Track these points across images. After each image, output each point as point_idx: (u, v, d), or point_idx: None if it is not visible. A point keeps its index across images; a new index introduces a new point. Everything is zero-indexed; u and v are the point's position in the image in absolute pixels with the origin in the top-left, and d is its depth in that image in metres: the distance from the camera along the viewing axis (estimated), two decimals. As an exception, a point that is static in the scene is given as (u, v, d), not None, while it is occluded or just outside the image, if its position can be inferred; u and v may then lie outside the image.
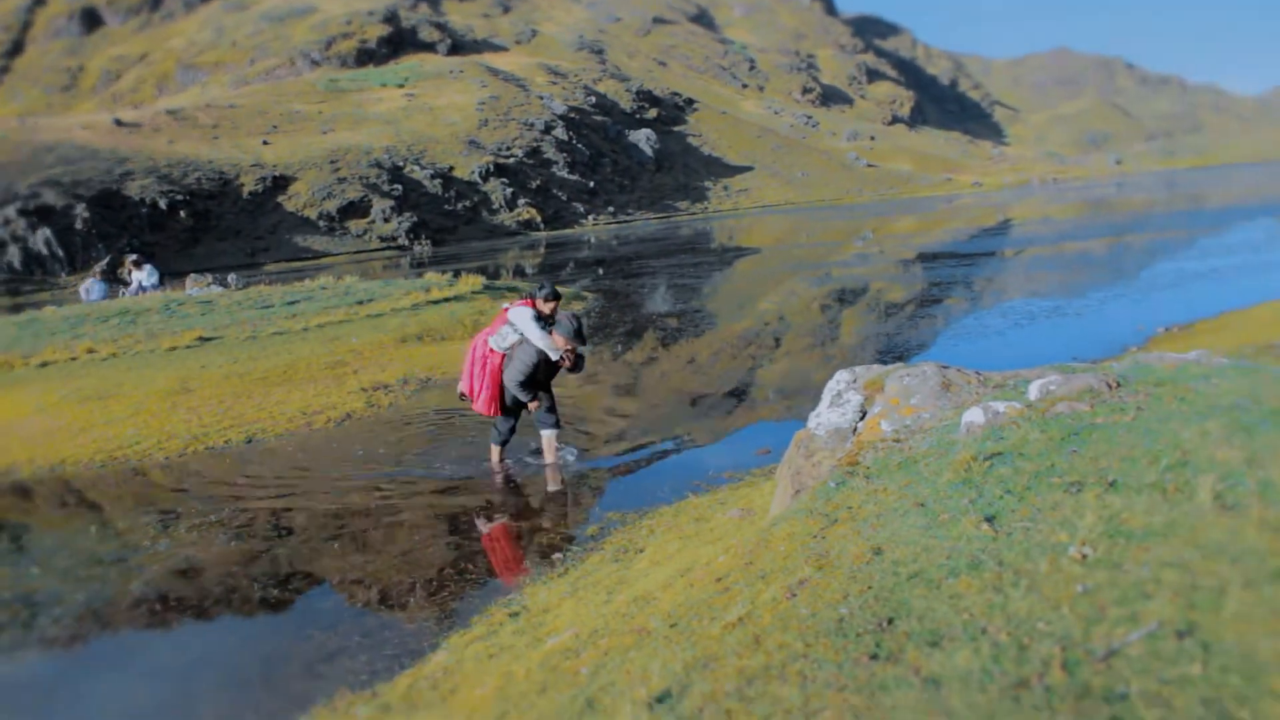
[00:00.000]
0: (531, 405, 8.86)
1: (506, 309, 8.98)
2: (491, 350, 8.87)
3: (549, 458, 9.11)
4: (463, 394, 9.22)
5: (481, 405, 8.92)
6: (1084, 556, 2.94)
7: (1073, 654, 2.44)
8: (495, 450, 9.24)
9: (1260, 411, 3.99)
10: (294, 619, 5.94)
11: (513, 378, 8.66)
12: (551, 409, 9.10)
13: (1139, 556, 2.88)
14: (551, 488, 8.60)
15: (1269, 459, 3.43)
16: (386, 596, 6.15)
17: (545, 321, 8.87)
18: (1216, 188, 72.66)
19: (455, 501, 8.08)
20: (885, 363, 5.98)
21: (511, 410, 9.01)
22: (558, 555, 6.53)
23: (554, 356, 8.79)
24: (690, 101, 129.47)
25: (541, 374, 8.85)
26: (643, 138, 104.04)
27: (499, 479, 8.90)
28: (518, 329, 8.80)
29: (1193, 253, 25.36)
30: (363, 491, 8.41)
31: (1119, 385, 4.61)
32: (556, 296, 9.16)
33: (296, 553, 7.04)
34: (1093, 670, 2.36)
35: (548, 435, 9.15)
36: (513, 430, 9.20)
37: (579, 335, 8.84)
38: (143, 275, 23.96)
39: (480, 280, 22.25)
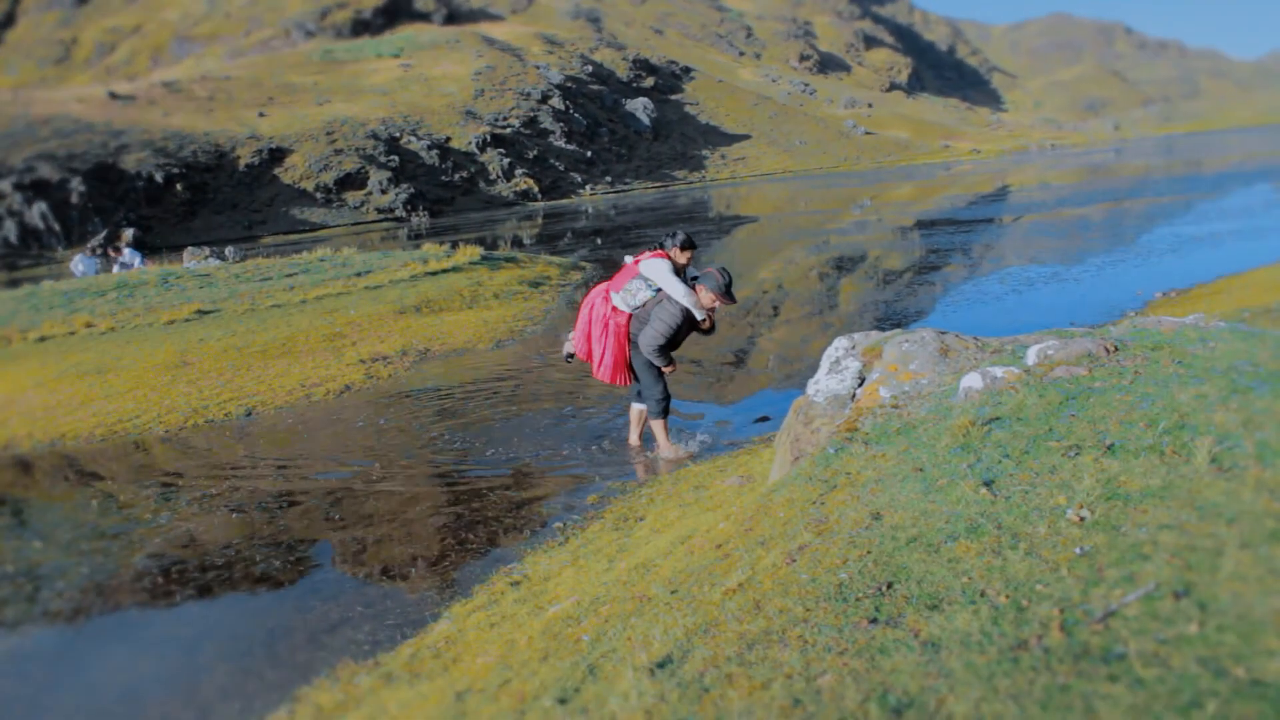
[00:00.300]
0: (667, 370, 7.89)
1: (636, 260, 7.97)
2: (615, 309, 7.90)
3: (664, 451, 8.03)
4: (570, 355, 8.40)
5: (605, 373, 7.97)
6: (1082, 519, 2.96)
7: (1071, 615, 2.46)
8: (659, 428, 8.06)
9: (1257, 374, 4.00)
10: (296, 590, 5.96)
11: (651, 341, 7.61)
12: (667, 393, 8.04)
13: (1136, 519, 2.90)
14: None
15: (1265, 421, 3.45)
16: (388, 567, 6.17)
17: (680, 274, 7.87)
18: (1214, 153, 72.44)
19: (456, 471, 8.09)
20: (884, 329, 5.99)
21: (645, 371, 7.94)
22: (558, 524, 6.55)
23: (699, 316, 7.75)
24: (687, 70, 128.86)
25: (681, 336, 7.82)
26: (640, 106, 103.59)
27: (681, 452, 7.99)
28: (654, 284, 7.78)
29: (1190, 218, 25.30)
30: (363, 463, 8.42)
31: (1116, 349, 4.61)
32: (692, 245, 8.00)
33: (298, 525, 7.06)
34: (1091, 631, 2.38)
35: (660, 423, 8.06)
36: (668, 396, 8.06)
37: (728, 291, 7.77)
38: (125, 256, 23.90)
39: (478, 251, 22.19)
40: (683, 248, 7.87)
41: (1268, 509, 2.82)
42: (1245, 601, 2.37)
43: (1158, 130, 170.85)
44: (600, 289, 8.13)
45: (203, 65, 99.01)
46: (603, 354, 7.93)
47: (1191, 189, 36.12)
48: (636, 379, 8.04)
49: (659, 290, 7.77)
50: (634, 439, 8.41)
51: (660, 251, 7.89)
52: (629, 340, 7.89)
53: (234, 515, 7.32)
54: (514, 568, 5.74)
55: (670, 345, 7.72)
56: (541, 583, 5.29)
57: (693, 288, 7.76)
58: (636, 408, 8.35)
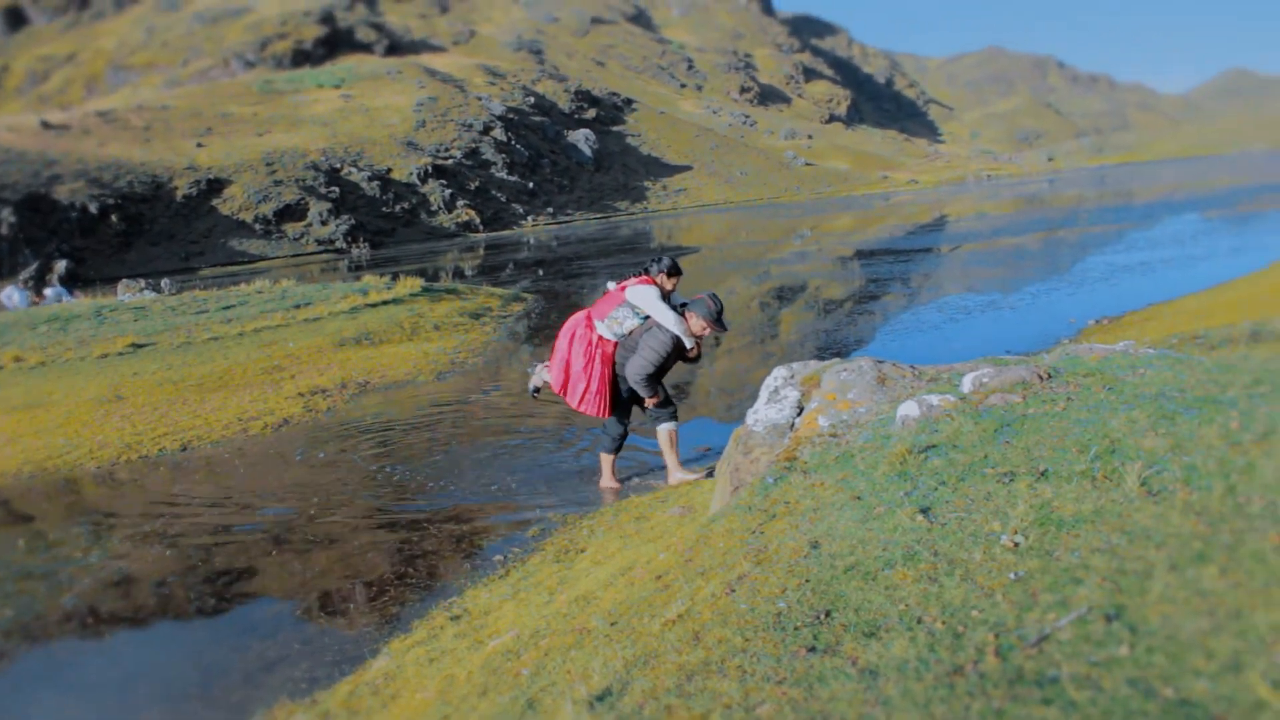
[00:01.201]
0: (650, 402, 7.66)
1: (620, 287, 7.75)
2: (601, 338, 7.67)
3: (672, 465, 7.85)
4: (537, 389, 8.26)
5: (590, 405, 7.68)
6: (1016, 545, 2.99)
7: (1006, 640, 2.49)
8: (607, 462, 7.99)
9: (1184, 400, 4.08)
10: (232, 628, 5.85)
11: (639, 370, 7.41)
12: (668, 400, 7.81)
13: (1069, 543, 2.94)
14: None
15: (1193, 445, 3.52)
16: (327, 603, 6.09)
17: (666, 301, 7.66)
18: (1145, 183, 74.12)
19: (395, 505, 8.01)
20: (824, 359, 6.04)
21: (623, 408, 7.83)
22: (499, 557, 6.50)
23: (689, 344, 7.56)
24: (629, 101, 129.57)
25: (669, 365, 7.61)
26: (581, 138, 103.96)
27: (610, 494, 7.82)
28: (642, 311, 7.55)
29: (1122, 247, 25.84)
30: (301, 497, 8.31)
31: (1050, 376, 4.69)
32: (679, 271, 7.83)
33: (234, 561, 6.94)
34: (1025, 655, 2.40)
35: (666, 429, 7.80)
36: (625, 435, 7.97)
37: (720, 319, 7.58)
38: (48, 296, 23.55)
39: (419, 282, 22.09)
40: (669, 274, 7.72)
41: (1195, 531, 2.88)
42: (1174, 623, 2.41)
43: (1090, 161, 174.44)
44: (580, 317, 7.88)
45: (139, 94, 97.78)
46: (587, 384, 7.65)
47: (1123, 219, 36.89)
48: (623, 411, 7.82)
49: (647, 318, 7.57)
50: (674, 467, 7.88)
51: (647, 278, 7.69)
52: (614, 370, 7.69)
53: (168, 552, 7.19)
54: (454, 602, 5.69)
55: (658, 375, 7.54)
56: (482, 617, 5.25)
57: (681, 315, 7.56)
58: (662, 430, 7.84)
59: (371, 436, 10.36)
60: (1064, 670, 2.29)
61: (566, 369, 7.75)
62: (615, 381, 7.69)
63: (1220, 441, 3.54)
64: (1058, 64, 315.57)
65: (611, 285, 7.89)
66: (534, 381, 8.24)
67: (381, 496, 8.23)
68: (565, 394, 7.81)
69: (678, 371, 13.12)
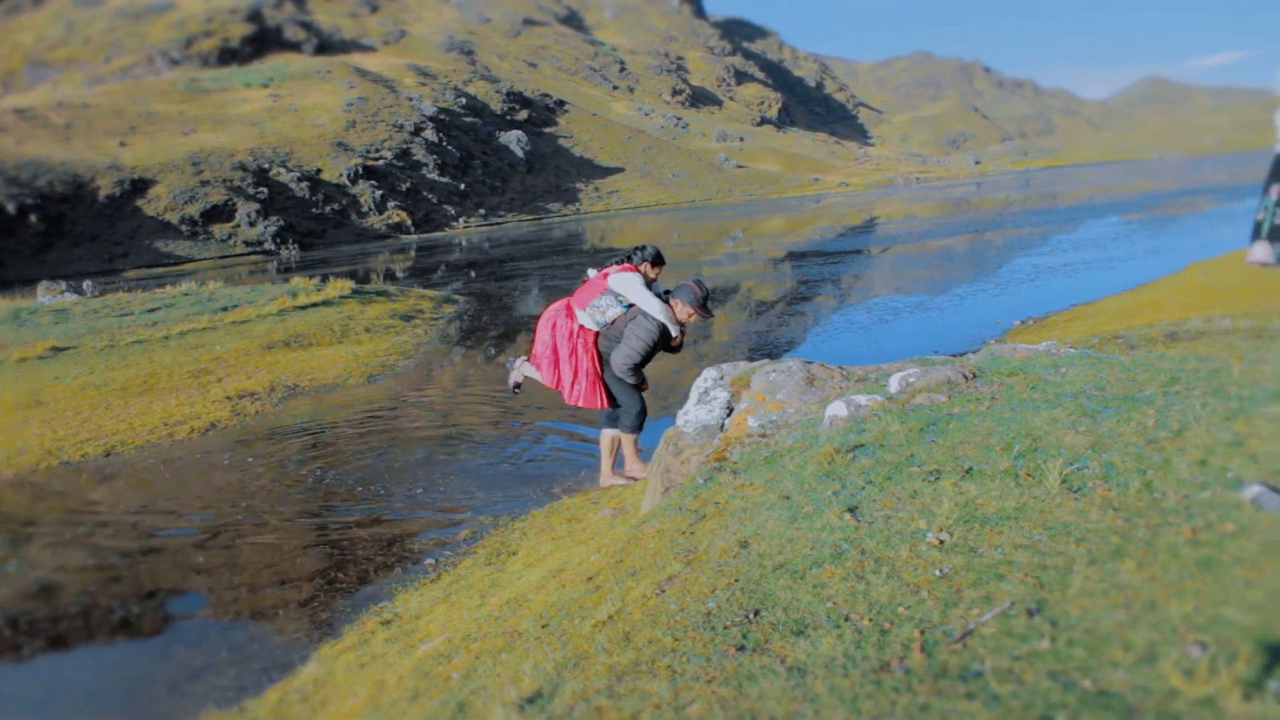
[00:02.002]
0: (641, 390, 7.43)
1: (603, 274, 7.50)
2: (583, 328, 7.42)
3: (633, 467, 7.67)
4: (517, 386, 7.97)
5: (580, 397, 7.41)
6: (941, 542, 3.04)
7: (931, 636, 2.53)
8: (630, 442, 7.66)
9: (1104, 398, 4.18)
10: (157, 638, 5.74)
11: (625, 359, 7.18)
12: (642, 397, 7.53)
13: (993, 540, 3.00)
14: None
15: (1112, 443, 3.60)
16: (256, 610, 6.00)
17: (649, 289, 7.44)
18: (1068, 187, 75.56)
19: (325, 509, 7.91)
20: (755, 360, 6.08)
21: (612, 399, 7.49)
22: (431, 561, 6.46)
23: (674, 331, 7.33)
24: (561, 103, 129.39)
25: (653, 354, 7.35)
26: (513, 139, 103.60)
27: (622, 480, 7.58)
28: (626, 299, 7.33)
29: (1046, 249, 26.31)
30: (230, 501, 8.18)
31: (975, 376, 4.77)
32: (662, 260, 7.64)
33: (160, 569, 6.82)
34: (950, 651, 2.44)
35: (630, 438, 7.64)
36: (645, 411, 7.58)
37: (705, 305, 7.34)
38: None
39: (349, 284, 21.86)
40: (653, 263, 7.53)
41: (1113, 526, 2.95)
42: (1093, 616, 2.46)
43: (1016, 165, 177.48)
44: (559, 306, 7.60)
45: (59, 92, 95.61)
46: (575, 376, 7.39)
47: (1047, 221, 37.58)
48: (612, 401, 7.52)
49: (630, 306, 7.35)
50: (607, 471, 7.79)
51: (629, 265, 7.49)
52: (600, 359, 7.45)
53: (90, 561, 7.03)
54: (385, 606, 5.64)
55: (645, 363, 7.31)
56: (413, 621, 5.21)
57: (666, 302, 7.33)
58: (608, 434, 7.73)
59: (301, 440, 10.23)
60: (987, 664, 2.34)
61: (555, 361, 7.49)
62: (603, 371, 7.45)
63: (1138, 439, 3.63)
64: (984, 69, 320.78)
65: (592, 272, 7.64)
66: (514, 377, 8.00)
67: (312, 501, 8.13)
68: (558, 386, 7.54)
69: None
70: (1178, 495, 3.12)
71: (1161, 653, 2.24)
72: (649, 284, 7.49)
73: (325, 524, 7.52)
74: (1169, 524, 2.93)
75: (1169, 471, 3.31)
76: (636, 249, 7.57)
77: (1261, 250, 5.01)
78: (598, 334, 7.43)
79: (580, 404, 7.43)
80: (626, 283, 7.31)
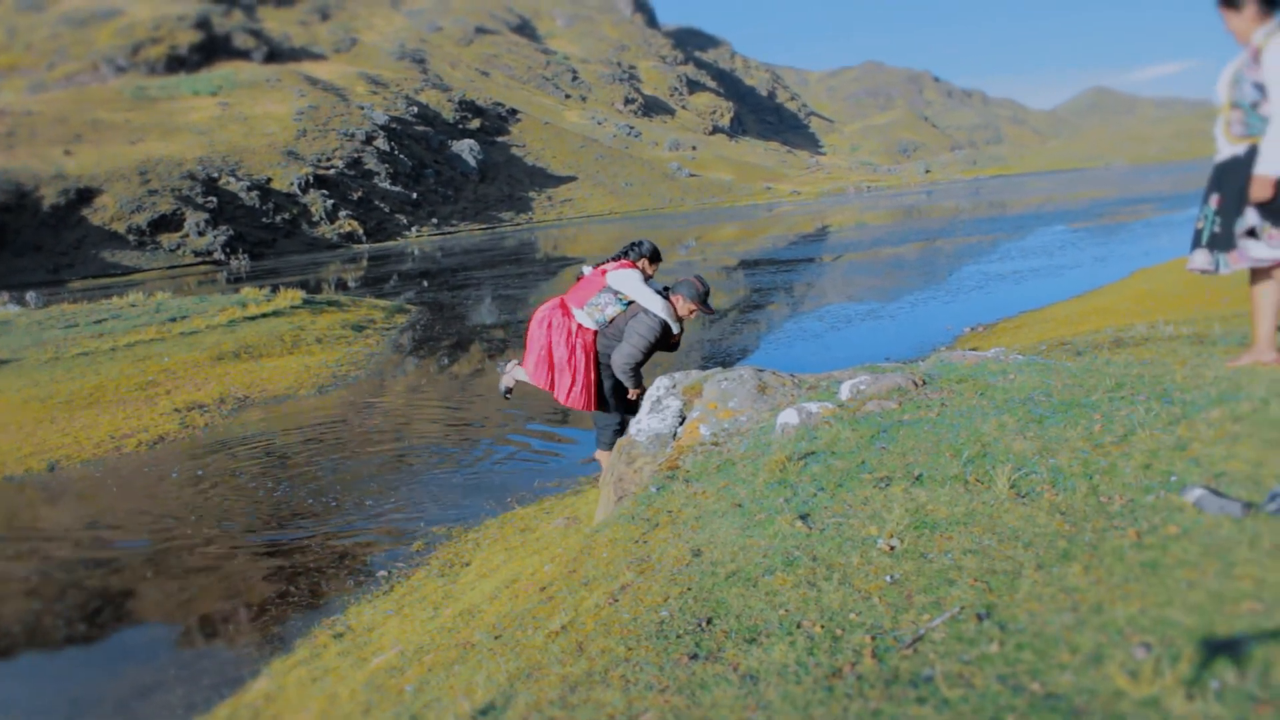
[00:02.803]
0: (634, 394, 7.09)
1: (600, 270, 7.25)
2: (581, 327, 7.13)
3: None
4: (509, 390, 7.67)
5: (576, 398, 7.09)
6: (892, 548, 3.06)
7: (882, 642, 2.54)
8: (603, 459, 7.25)
9: (1051, 404, 4.24)
10: (105, 655, 5.65)
11: (626, 358, 6.84)
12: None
13: (943, 545, 3.02)
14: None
15: (1059, 448, 3.65)
16: (206, 625, 5.92)
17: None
18: (1016, 195, 76.56)
19: (276, 522, 7.83)
20: (708, 368, 6.10)
21: (606, 401, 7.22)
22: (383, 573, 6.41)
23: (675, 329, 7.05)
24: (513, 112, 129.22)
25: (652, 353, 7.03)
26: (466, 148, 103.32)
27: None
28: (625, 296, 7.05)
29: (996, 257, 26.63)
30: (179, 515, 8.07)
31: (925, 383, 4.82)
32: (659, 257, 7.43)
33: (108, 585, 6.71)
34: (901, 656, 2.46)
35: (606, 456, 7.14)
36: (625, 425, 7.08)
37: (706, 300, 7.10)
38: None
39: (300, 295, 21.69)
40: (650, 259, 7.28)
41: (1060, 531, 2.99)
42: (1041, 619, 2.49)
43: (965, 174, 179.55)
44: (553, 304, 7.31)
45: (1, 99, 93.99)
46: (573, 378, 7.07)
47: (996, 229, 38.03)
48: (603, 405, 7.24)
49: (630, 304, 7.07)
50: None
51: (627, 262, 7.22)
52: (598, 360, 7.15)
53: (35, 578, 6.91)
54: (337, 619, 5.59)
55: (644, 362, 6.99)
56: (365, 633, 5.17)
57: (666, 299, 7.05)
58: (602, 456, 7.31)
59: (252, 452, 10.12)
60: (938, 669, 2.35)
61: (550, 361, 7.15)
62: (600, 373, 7.17)
63: (1084, 444, 3.68)
64: (934, 79, 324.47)
65: (587, 269, 7.41)
66: (505, 382, 7.69)
67: (263, 514, 8.04)
68: (551, 389, 7.22)
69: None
70: (1123, 499, 3.17)
71: (1108, 655, 2.27)
72: (646, 281, 7.19)
73: (277, 537, 7.45)
74: (1115, 527, 2.97)
75: (1115, 476, 3.36)
76: (632, 245, 7.35)
77: (1201, 258, 5.08)
78: (596, 333, 7.15)
79: (577, 406, 7.15)
80: (626, 279, 7.05)
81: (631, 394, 7.11)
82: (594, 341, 7.12)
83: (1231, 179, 4.95)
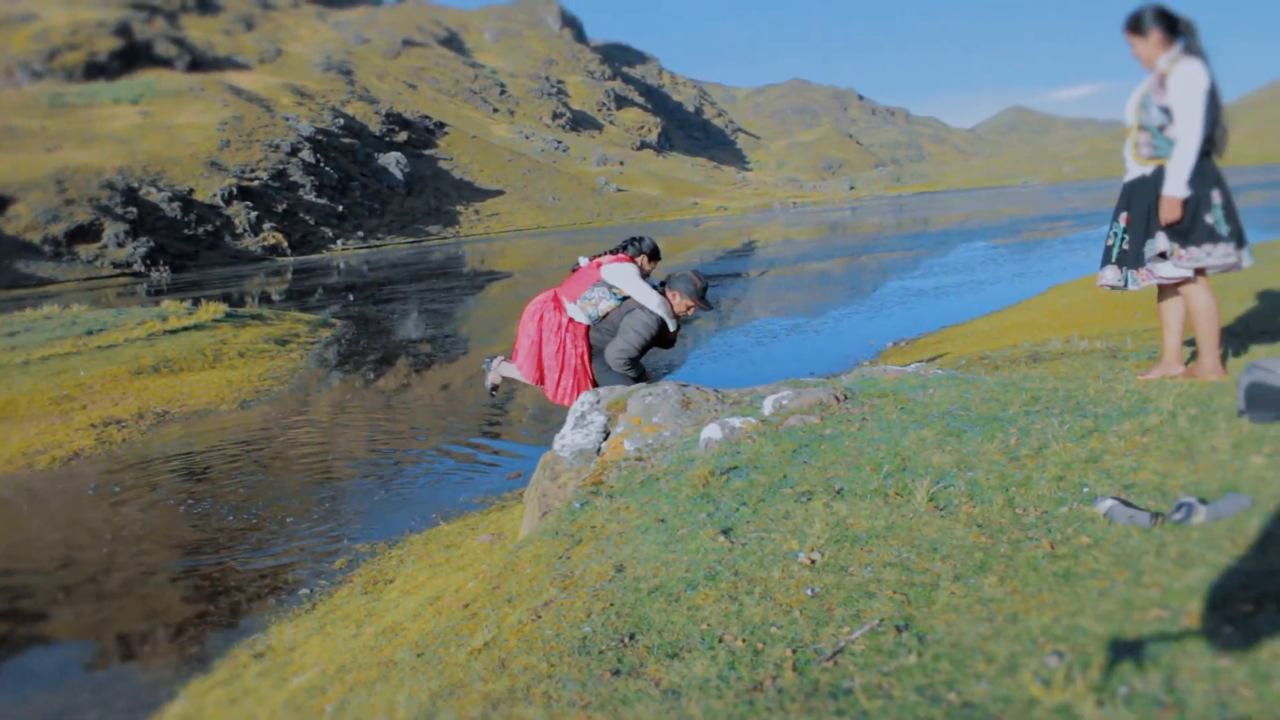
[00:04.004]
0: None
1: (595, 263, 7.00)
2: (573, 321, 6.90)
3: None
4: (494, 388, 7.49)
5: (565, 395, 6.86)
6: (813, 562, 3.09)
7: (803, 655, 2.57)
8: None
9: (969, 418, 4.31)
10: (13, 680, 5.48)
11: (621, 353, 6.62)
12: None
13: (863, 558, 3.06)
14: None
15: (977, 461, 3.72)
16: (121, 647, 5.78)
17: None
18: (938, 212, 77.84)
19: (196, 540, 7.68)
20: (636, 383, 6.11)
21: None
22: (305, 591, 6.31)
23: (672, 326, 6.85)
24: (441, 125, 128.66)
25: (648, 350, 6.83)
26: (392, 161, 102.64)
27: None
28: (620, 291, 6.82)
29: (919, 272, 27.03)
30: (94, 533, 7.88)
31: (846, 398, 4.88)
32: (659, 255, 7.18)
33: (17, 606, 6.52)
34: (821, 669, 2.48)
35: None
36: None
37: (705, 296, 6.90)
38: None
39: (222, 308, 21.33)
40: (650, 256, 7.06)
41: (977, 543, 3.05)
42: (958, 630, 2.54)
43: (889, 190, 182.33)
44: (545, 297, 7.09)
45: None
46: (560, 372, 6.84)
47: (919, 245, 38.62)
48: None
49: (625, 299, 6.84)
50: None
51: (624, 255, 7.00)
52: (590, 356, 6.94)
53: (-60, 598, 6.70)
54: (258, 639, 5.49)
55: (640, 358, 6.79)
56: (286, 653, 5.09)
57: (662, 294, 6.86)
58: None
59: (172, 469, 9.92)
60: (857, 681, 2.38)
61: (539, 356, 6.95)
62: (591, 369, 6.94)
63: (1001, 456, 3.76)
64: (858, 97, 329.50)
65: (583, 260, 7.16)
66: (490, 379, 7.49)
67: (182, 531, 7.88)
68: (540, 383, 7.02)
69: (477, 404, 13.05)
70: (1038, 511, 3.24)
71: (1022, 663, 2.31)
72: (644, 277, 7.01)
73: (197, 555, 7.30)
74: (1029, 539, 3.04)
75: (1030, 488, 3.43)
76: (632, 239, 7.13)
77: (1111, 274, 5.24)
78: (588, 328, 6.93)
79: (566, 403, 6.77)
80: (622, 274, 6.82)
81: None
82: (585, 336, 6.91)
83: (1139, 198, 5.10)
